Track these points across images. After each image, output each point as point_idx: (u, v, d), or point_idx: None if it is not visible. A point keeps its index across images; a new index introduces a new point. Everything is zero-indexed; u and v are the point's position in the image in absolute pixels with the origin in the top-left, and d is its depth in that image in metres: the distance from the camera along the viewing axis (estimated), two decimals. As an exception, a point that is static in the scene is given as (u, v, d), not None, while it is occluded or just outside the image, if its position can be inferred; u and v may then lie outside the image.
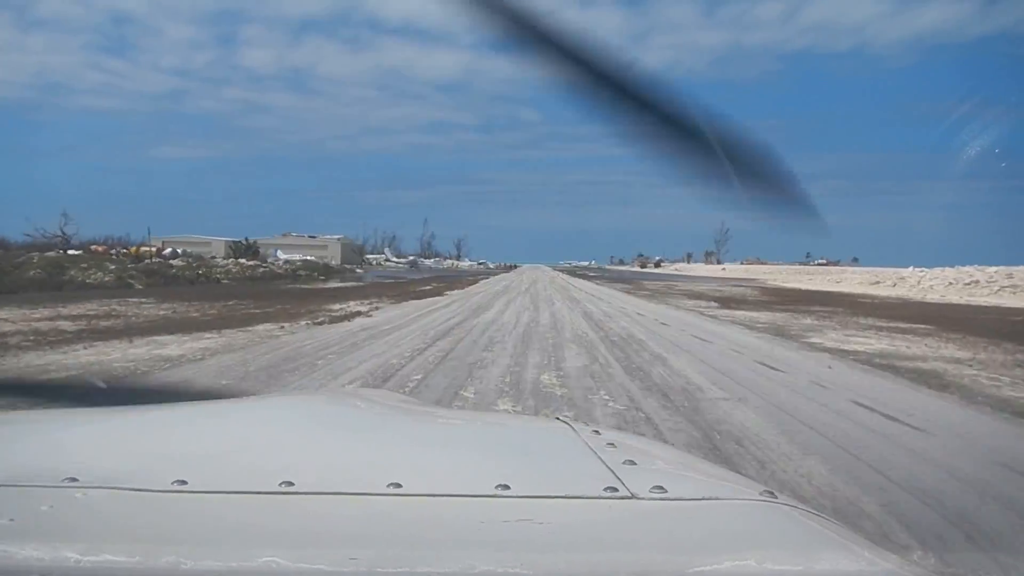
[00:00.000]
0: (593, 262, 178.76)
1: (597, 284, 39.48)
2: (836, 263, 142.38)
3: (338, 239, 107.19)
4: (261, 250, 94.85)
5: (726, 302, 22.14)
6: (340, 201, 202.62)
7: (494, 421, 1.69)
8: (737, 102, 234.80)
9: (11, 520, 0.63)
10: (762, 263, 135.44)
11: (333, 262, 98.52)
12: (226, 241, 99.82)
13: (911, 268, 47.32)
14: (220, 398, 1.38)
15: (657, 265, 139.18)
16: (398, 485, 0.71)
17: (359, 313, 14.31)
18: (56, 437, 0.93)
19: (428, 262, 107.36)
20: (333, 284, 32.10)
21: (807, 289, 36.39)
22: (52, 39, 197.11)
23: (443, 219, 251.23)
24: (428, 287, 28.87)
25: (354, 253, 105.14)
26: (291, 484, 0.71)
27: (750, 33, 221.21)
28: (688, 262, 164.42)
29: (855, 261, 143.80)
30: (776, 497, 0.79)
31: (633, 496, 0.72)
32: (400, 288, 27.31)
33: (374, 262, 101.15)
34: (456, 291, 26.45)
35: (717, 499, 0.75)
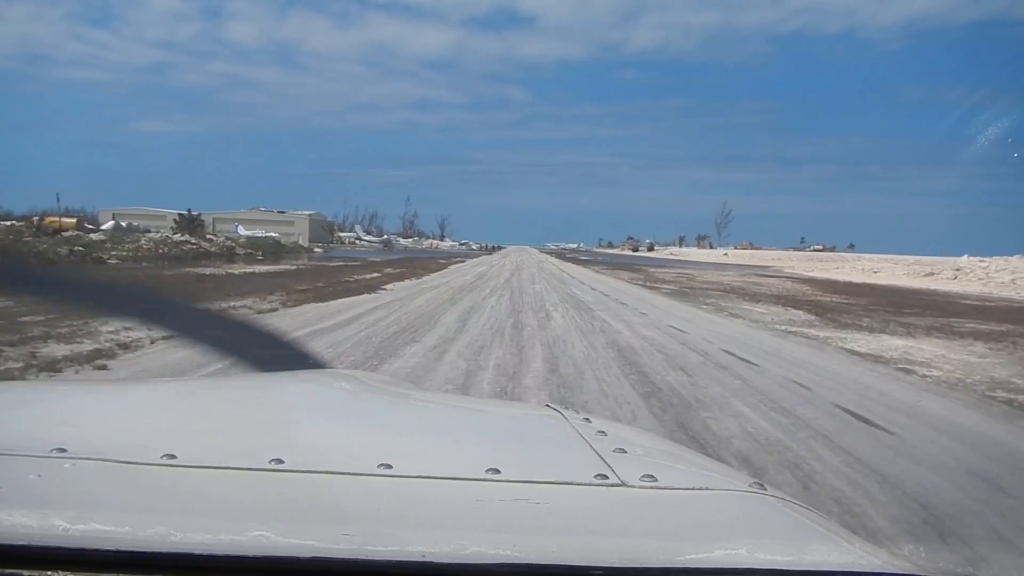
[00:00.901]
0: (581, 244, 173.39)
1: (597, 272, 32.02)
2: (832, 249, 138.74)
3: (308, 215, 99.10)
4: (221, 225, 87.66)
5: (815, 310, 14.47)
6: (325, 178, 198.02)
7: (485, 407, 1.63)
8: (727, 84, 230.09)
9: None
10: (755, 248, 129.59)
11: (300, 239, 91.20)
12: (178, 213, 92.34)
13: (965, 257, 40.85)
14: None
15: (650, 249, 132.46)
16: (388, 466, 0.71)
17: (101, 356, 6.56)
18: (46, 408, 0.93)
19: (405, 242, 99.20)
20: (262, 268, 24.53)
21: (863, 283, 28.97)
22: (34, 8, 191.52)
23: (430, 198, 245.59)
24: (376, 275, 21.28)
25: (324, 230, 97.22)
26: (281, 461, 0.70)
27: (742, 14, 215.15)
28: (680, 246, 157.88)
29: (852, 247, 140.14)
30: (765, 489, 0.78)
31: (623, 484, 0.72)
32: (334, 277, 19.59)
33: (347, 240, 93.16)
34: (409, 282, 18.87)
35: (707, 489, 0.75)
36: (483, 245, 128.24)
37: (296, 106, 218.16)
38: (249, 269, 23.17)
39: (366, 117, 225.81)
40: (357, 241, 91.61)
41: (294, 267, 25.89)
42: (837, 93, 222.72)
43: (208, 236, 42.08)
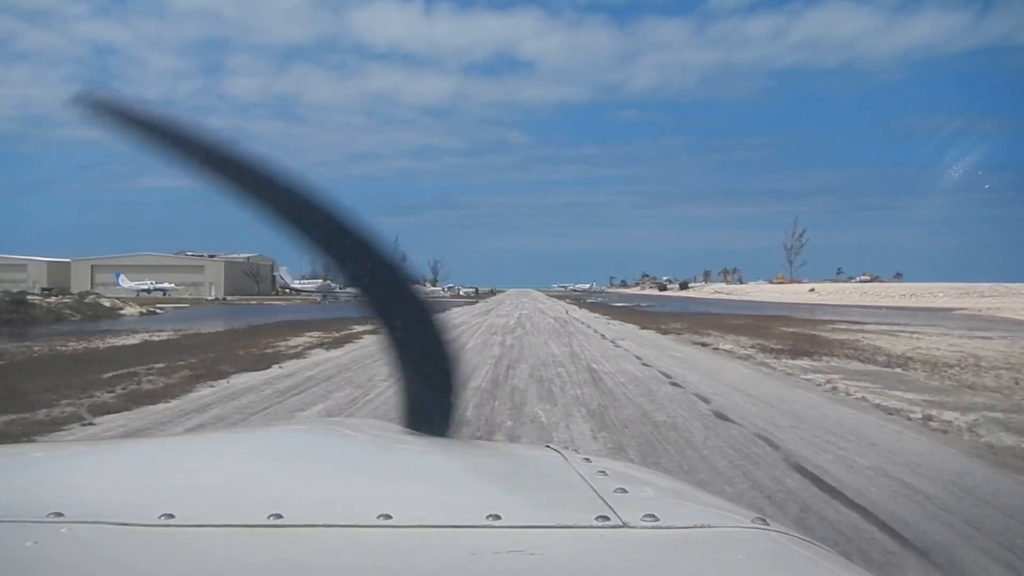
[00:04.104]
0: (594, 284, 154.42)
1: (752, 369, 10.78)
2: (878, 279, 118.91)
3: (228, 259, 76.73)
4: (101, 274, 66.54)
5: None
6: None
7: (485, 450, 1.54)
8: (726, 121, 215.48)
9: None
10: (795, 281, 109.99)
11: (213, 289, 69.25)
12: (48, 262, 71.32)
13: None
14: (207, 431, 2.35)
15: (683, 287, 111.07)
16: (388, 516, 0.70)
17: None
18: (41, 472, 0.91)
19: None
20: None
21: None
22: (34, 71, 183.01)
23: (430, 244, 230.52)
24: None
25: (250, 277, 75.40)
26: (280, 516, 0.70)
27: (740, 51, 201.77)
28: (706, 281, 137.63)
29: (898, 276, 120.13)
30: (768, 524, 0.77)
31: (625, 525, 0.71)
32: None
33: (286, 288, 72.10)
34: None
35: (709, 527, 0.74)
36: (476, 290, 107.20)
37: (296, 157, 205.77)
38: None
39: (365, 166, 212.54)
40: (283, 291, 69.97)
41: None
42: (836, 125, 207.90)
43: None
